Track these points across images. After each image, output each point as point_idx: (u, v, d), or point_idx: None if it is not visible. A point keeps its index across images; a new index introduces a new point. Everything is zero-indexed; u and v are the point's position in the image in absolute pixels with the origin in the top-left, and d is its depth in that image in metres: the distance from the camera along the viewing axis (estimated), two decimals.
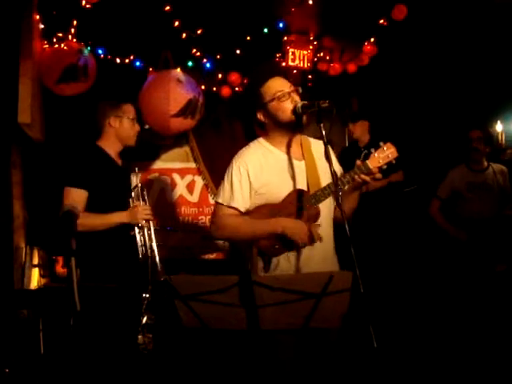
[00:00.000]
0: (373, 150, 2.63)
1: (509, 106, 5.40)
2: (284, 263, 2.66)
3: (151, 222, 3.40)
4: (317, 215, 2.67)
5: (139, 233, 3.33)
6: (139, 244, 3.31)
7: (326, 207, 2.72)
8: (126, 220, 3.28)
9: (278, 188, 2.68)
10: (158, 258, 3.34)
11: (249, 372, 2.66)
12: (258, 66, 4.72)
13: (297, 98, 2.68)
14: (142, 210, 3.32)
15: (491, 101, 5.45)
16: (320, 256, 2.68)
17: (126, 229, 3.32)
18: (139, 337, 4.61)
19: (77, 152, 3.45)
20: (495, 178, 4.80)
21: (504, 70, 5.36)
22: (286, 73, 2.88)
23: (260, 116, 2.76)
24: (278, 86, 2.70)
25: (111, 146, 3.45)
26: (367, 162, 2.61)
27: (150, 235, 3.35)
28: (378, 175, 2.61)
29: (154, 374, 4.02)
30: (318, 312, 2.11)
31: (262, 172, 2.70)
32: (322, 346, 2.61)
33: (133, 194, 3.44)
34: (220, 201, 2.73)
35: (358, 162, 2.62)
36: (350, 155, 4.60)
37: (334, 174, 2.45)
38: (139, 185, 3.47)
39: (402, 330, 4.48)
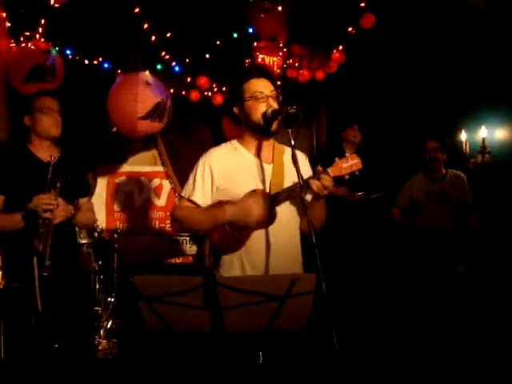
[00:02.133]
0: (337, 159, 2.62)
1: (473, 115, 5.50)
2: (236, 264, 2.66)
3: (54, 214, 2.99)
4: (272, 219, 2.65)
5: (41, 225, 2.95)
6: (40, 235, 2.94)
7: (287, 212, 2.71)
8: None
9: (239, 186, 2.68)
10: (48, 254, 2.91)
11: (212, 375, 2.65)
12: (250, 64, 4.73)
13: (273, 103, 2.68)
14: (36, 199, 2.96)
15: (456, 110, 5.56)
16: (275, 262, 2.65)
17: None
18: (103, 341, 4.59)
19: None
20: (453, 186, 4.84)
21: (469, 80, 5.47)
22: (273, 78, 2.83)
23: (236, 111, 2.77)
24: (259, 86, 2.70)
25: (37, 145, 3.29)
26: (328, 169, 2.59)
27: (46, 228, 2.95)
28: (328, 182, 2.56)
29: (119, 378, 3.99)
30: (282, 314, 2.12)
31: (226, 168, 2.72)
32: (290, 348, 2.61)
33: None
34: (182, 194, 2.80)
35: (319, 168, 2.61)
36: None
37: (300, 177, 2.44)
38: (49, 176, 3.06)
39: (365, 332, 4.53)
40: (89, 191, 3.62)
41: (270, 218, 2.65)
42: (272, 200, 2.66)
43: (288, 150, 2.78)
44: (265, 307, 2.10)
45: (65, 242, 3.14)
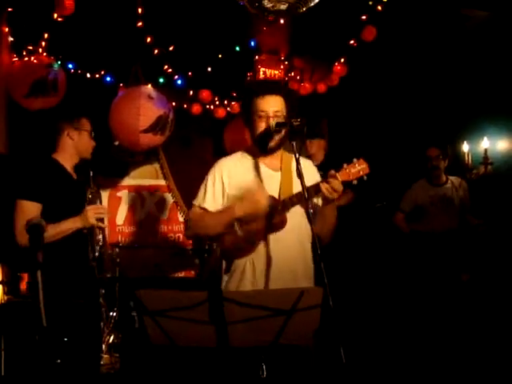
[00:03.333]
0: (345, 164, 2.64)
1: (475, 126, 5.50)
2: (248, 270, 2.70)
3: (105, 221, 3.30)
4: (282, 223, 2.71)
5: (97, 233, 3.24)
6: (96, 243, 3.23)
7: (296, 220, 2.74)
8: (79, 224, 3.15)
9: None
10: (106, 255, 3.33)
11: None
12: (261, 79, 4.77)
13: (273, 123, 2.70)
14: (91, 209, 3.18)
15: (458, 121, 5.56)
16: (287, 271, 2.70)
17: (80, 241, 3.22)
18: (105, 356, 4.54)
19: (30, 164, 3.40)
20: (455, 190, 4.97)
21: (471, 91, 5.49)
22: (284, 92, 2.85)
23: (245, 121, 2.88)
24: (266, 105, 2.75)
25: (67, 159, 3.38)
26: (337, 174, 2.62)
27: (103, 233, 3.27)
28: (338, 186, 2.60)
29: None
30: (289, 328, 2.10)
31: (236, 177, 2.80)
32: (296, 362, 2.59)
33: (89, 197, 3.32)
34: (194, 202, 2.88)
35: (332, 172, 2.63)
36: None
37: (304, 187, 2.47)
38: (94, 189, 3.34)
39: (371, 342, 4.50)
40: None
41: (280, 222, 2.71)
42: (283, 205, 2.71)
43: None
44: (271, 322, 2.08)
45: (77, 255, 3.17)
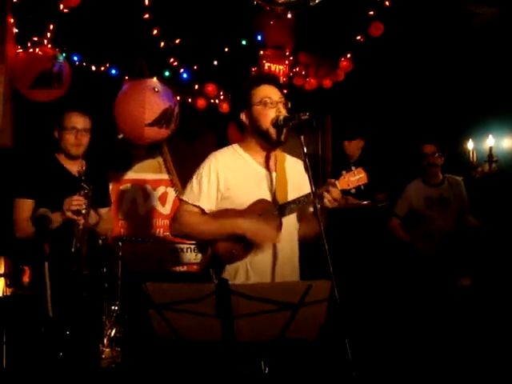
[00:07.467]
0: (343, 172, 2.61)
1: (480, 124, 5.49)
2: (241, 273, 2.63)
3: (84, 215, 3.14)
4: (278, 229, 2.64)
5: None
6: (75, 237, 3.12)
7: (289, 222, 2.69)
8: (57, 217, 3.07)
9: (244, 194, 2.65)
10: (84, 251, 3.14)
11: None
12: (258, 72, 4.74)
13: (283, 110, 2.66)
14: (68, 201, 3.10)
15: (463, 119, 5.55)
16: (279, 270, 2.64)
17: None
18: (107, 350, 4.53)
19: (25, 163, 3.48)
20: (452, 190, 4.78)
21: (476, 89, 5.47)
22: (281, 86, 2.81)
23: (243, 117, 2.73)
24: (268, 92, 2.68)
25: (63, 157, 3.44)
26: (336, 182, 2.59)
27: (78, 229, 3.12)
28: (337, 195, 2.57)
29: None
30: (295, 322, 2.08)
31: (231, 175, 2.67)
32: (299, 357, 2.57)
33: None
34: (185, 198, 2.69)
35: (332, 180, 2.60)
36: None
37: (312, 186, 2.43)
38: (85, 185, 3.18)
39: (374, 341, 4.48)
40: (110, 202, 3.67)
41: (277, 228, 2.63)
42: (280, 210, 2.64)
43: (289, 158, 2.82)
44: (278, 315, 2.06)
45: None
